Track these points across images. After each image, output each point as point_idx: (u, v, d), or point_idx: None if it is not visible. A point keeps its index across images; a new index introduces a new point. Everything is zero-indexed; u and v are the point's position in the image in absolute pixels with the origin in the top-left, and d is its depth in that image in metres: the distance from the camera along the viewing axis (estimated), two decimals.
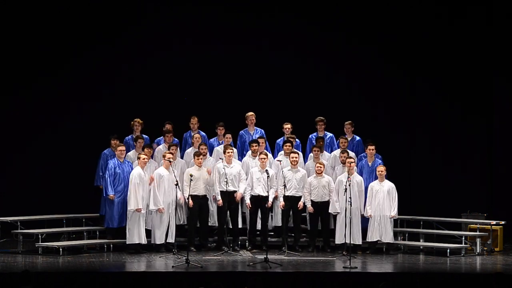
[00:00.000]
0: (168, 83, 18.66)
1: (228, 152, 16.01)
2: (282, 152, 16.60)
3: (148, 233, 15.82)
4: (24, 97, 18.36)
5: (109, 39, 18.57)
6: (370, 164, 16.49)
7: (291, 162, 16.07)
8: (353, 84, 19.18)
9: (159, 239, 15.68)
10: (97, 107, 18.34)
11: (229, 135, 16.67)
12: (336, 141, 17.13)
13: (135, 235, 15.45)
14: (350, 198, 15.21)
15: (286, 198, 15.83)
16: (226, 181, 15.75)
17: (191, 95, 18.54)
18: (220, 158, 16.12)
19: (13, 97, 18.33)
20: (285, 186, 15.66)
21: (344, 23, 19.15)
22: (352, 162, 16.03)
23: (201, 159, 15.81)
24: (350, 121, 17.15)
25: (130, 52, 18.72)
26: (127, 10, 18.64)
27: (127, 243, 15.53)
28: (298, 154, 16.36)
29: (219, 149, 16.65)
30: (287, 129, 17.00)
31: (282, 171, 15.95)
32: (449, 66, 19.17)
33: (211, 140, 17.14)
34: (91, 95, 18.49)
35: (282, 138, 17.04)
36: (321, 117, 17.13)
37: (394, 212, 15.96)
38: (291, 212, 16.14)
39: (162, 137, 16.80)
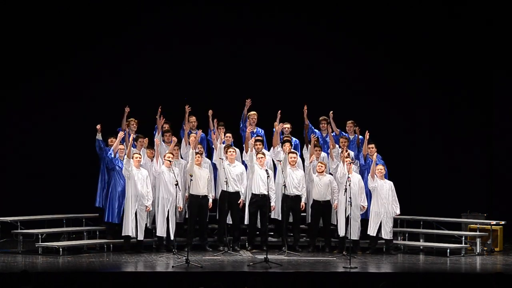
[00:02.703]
0: (167, 82, 18.65)
1: (230, 152, 16.01)
2: (281, 152, 16.58)
3: (150, 233, 15.90)
4: (23, 95, 18.35)
5: (108, 38, 18.56)
6: (366, 162, 16.52)
7: (289, 162, 16.07)
8: (354, 83, 19.18)
9: (160, 232, 15.71)
10: (96, 106, 18.31)
11: (229, 135, 16.66)
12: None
13: (129, 228, 15.48)
14: (350, 198, 15.22)
15: (285, 197, 15.84)
16: (226, 181, 15.76)
17: (191, 95, 18.52)
18: (220, 158, 16.12)
19: (12, 96, 18.33)
20: (285, 186, 15.66)
21: (345, 22, 19.14)
22: (351, 162, 16.04)
23: (200, 158, 15.82)
24: (352, 120, 17.15)
25: (129, 51, 18.71)
26: (126, 9, 18.62)
27: (122, 234, 15.57)
28: (297, 154, 16.36)
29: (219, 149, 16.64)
30: (286, 129, 16.99)
31: (282, 171, 15.96)
32: (450, 65, 19.20)
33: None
34: (90, 95, 18.48)
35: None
36: (325, 116, 17.13)
37: (398, 210, 16.01)
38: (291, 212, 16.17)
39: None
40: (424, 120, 19.44)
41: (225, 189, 15.86)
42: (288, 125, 17.02)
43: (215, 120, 16.69)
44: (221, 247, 15.85)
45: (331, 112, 16.94)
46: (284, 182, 15.69)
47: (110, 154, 15.93)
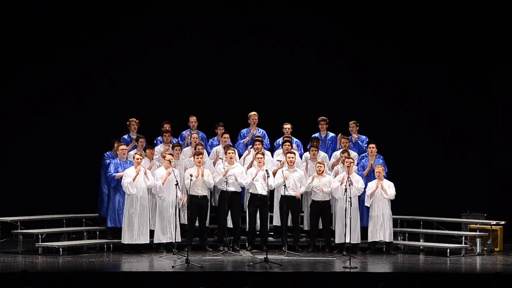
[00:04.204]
0: (167, 82, 18.65)
1: (230, 153, 16.00)
2: (281, 151, 16.58)
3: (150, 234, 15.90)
4: (22, 96, 18.34)
5: (107, 36, 18.56)
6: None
7: (287, 162, 16.06)
8: (354, 83, 19.19)
9: (161, 237, 15.70)
10: (96, 106, 18.32)
11: (226, 135, 16.64)
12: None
13: (127, 236, 15.46)
14: (350, 198, 15.22)
15: (284, 198, 15.83)
16: (226, 181, 15.76)
17: (191, 95, 18.53)
18: (220, 158, 16.12)
19: (12, 95, 18.32)
20: (285, 186, 15.65)
21: (344, 19, 19.14)
22: (352, 162, 16.03)
23: (200, 158, 15.82)
24: (354, 121, 17.12)
25: (129, 50, 18.70)
26: (126, 6, 18.61)
27: (122, 242, 15.56)
28: (295, 154, 16.34)
29: (218, 149, 16.64)
30: (287, 129, 16.97)
31: (282, 171, 15.95)
32: (450, 65, 19.21)
33: (211, 140, 17.13)
34: (89, 94, 18.48)
35: (280, 138, 17.04)
36: (323, 117, 17.12)
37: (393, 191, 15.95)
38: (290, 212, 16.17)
39: (161, 136, 16.82)
40: (424, 120, 19.44)
41: (225, 189, 15.86)
42: (288, 125, 17.00)
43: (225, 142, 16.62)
44: (221, 247, 15.85)
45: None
46: (284, 182, 15.67)
47: (114, 176, 15.74)
